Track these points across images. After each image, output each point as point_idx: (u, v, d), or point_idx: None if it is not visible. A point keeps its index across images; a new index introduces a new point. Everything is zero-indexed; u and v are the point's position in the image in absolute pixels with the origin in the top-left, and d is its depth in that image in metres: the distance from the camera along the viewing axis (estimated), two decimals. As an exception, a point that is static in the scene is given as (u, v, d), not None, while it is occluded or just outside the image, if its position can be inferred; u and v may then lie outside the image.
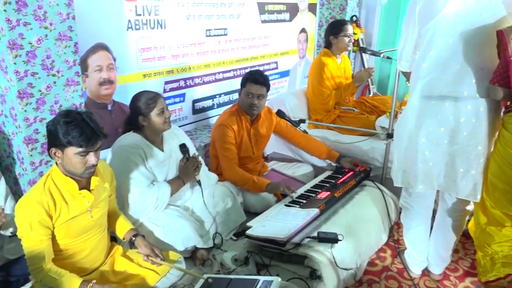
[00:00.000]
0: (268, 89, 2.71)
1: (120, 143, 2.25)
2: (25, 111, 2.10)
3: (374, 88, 4.57)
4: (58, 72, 2.18)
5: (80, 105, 2.33)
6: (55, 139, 1.63)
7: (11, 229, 1.91)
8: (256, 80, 2.64)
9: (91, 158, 1.67)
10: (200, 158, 2.51)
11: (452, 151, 1.85)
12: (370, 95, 4.34)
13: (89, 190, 1.78)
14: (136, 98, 2.25)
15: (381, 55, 3.21)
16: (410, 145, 1.93)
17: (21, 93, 2.06)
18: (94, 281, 1.72)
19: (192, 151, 2.48)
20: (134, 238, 1.96)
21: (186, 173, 2.36)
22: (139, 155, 2.20)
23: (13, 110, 2.11)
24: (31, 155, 2.18)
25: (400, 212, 2.61)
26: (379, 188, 2.68)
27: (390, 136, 2.71)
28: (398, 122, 2.05)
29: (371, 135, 2.93)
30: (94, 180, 1.78)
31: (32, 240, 1.66)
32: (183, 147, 2.40)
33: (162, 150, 2.34)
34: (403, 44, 1.96)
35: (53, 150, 1.67)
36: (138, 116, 2.23)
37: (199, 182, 2.38)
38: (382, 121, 2.96)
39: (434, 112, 1.84)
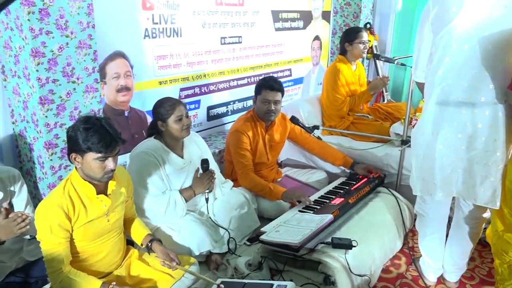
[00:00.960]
0: (283, 94, 2.73)
1: (138, 149, 2.29)
2: (46, 116, 2.15)
3: (388, 95, 4.55)
4: (78, 79, 2.24)
5: (99, 111, 2.38)
6: (75, 145, 1.67)
7: (28, 235, 1.96)
8: (271, 86, 2.66)
9: (109, 163, 1.71)
10: (217, 171, 2.54)
11: (469, 157, 1.83)
12: (384, 102, 4.32)
13: (106, 194, 1.81)
14: (157, 103, 2.31)
15: (395, 62, 3.21)
16: (427, 152, 1.91)
17: (42, 99, 2.11)
18: (114, 283, 1.75)
19: (212, 163, 2.50)
20: (150, 244, 1.99)
21: (199, 185, 2.37)
22: (154, 163, 2.23)
23: (35, 116, 2.17)
24: (51, 160, 2.23)
25: (415, 219, 2.59)
26: (393, 195, 2.67)
27: (404, 142, 2.70)
28: (414, 130, 2.03)
29: (386, 141, 2.92)
30: (111, 185, 1.81)
31: (52, 242, 1.69)
32: (204, 163, 2.40)
33: (182, 157, 2.37)
34: (418, 53, 1.94)
35: (73, 155, 1.71)
36: (158, 121, 2.27)
37: (206, 200, 2.39)
38: (397, 128, 2.95)
39: (451, 118, 1.82)
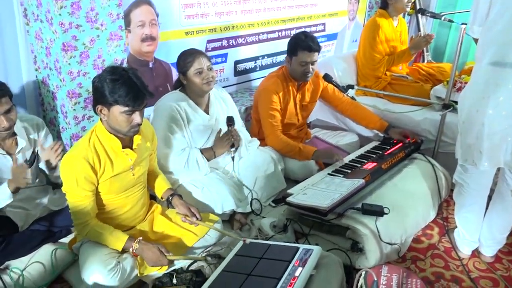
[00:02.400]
0: (319, 52, 2.60)
1: (162, 101, 2.26)
2: (69, 64, 2.13)
3: (429, 56, 4.33)
4: (101, 25, 2.19)
5: (123, 61, 2.34)
6: (101, 97, 1.65)
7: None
8: (309, 47, 2.50)
9: (136, 117, 1.68)
10: (243, 128, 2.50)
11: None
12: (424, 63, 4.12)
13: (131, 148, 1.80)
14: (179, 55, 2.26)
15: (442, 18, 3.00)
16: (476, 117, 1.80)
17: (65, 46, 2.08)
18: (141, 238, 1.79)
19: (237, 121, 2.46)
20: (171, 198, 2.00)
21: (220, 145, 2.34)
22: (177, 118, 2.21)
23: (57, 63, 2.15)
24: (74, 109, 2.23)
25: (451, 189, 2.52)
26: (430, 162, 2.58)
27: (446, 106, 2.57)
28: (462, 93, 1.91)
29: (425, 105, 2.79)
30: (137, 139, 1.80)
31: (78, 195, 1.72)
32: (229, 121, 2.37)
33: (207, 113, 2.33)
34: (477, 5, 1.79)
35: (99, 107, 1.69)
36: (179, 73, 2.23)
37: (232, 158, 2.37)
38: (439, 91, 2.81)
39: (506, 81, 1.69)
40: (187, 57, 2.20)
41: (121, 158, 1.79)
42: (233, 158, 2.37)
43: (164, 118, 2.20)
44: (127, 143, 1.80)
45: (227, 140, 2.34)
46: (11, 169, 1.81)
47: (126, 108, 1.64)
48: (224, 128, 2.39)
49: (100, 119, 1.74)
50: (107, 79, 1.63)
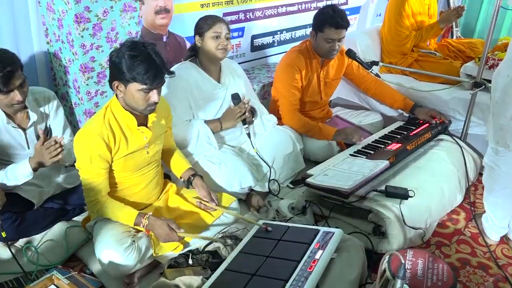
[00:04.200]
0: (347, 29, 2.53)
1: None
2: (82, 36, 2.12)
3: (458, 31, 4.20)
4: (115, -5, 2.17)
5: (137, 34, 2.33)
6: (119, 73, 1.64)
7: (67, 164, 2.03)
8: (337, 24, 2.43)
9: (153, 95, 1.68)
10: (258, 105, 2.48)
11: None
12: (453, 39, 4.01)
13: (146, 126, 1.81)
14: (200, 18, 2.27)
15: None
16: (511, 97, 1.75)
17: (78, 17, 2.07)
18: (150, 213, 1.81)
19: (251, 94, 2.44)
20: (192, 178, 2.00)
21: (228, 117, 2.32)
22: (183, 88, 2.22)
23: (70, 36, 2.15)
24: (87, 84, 2.23)
25: (480, 172, 2.48)
26: (458, 144, 2.54)
27: (477, 85, 2.51)
28: (497, 70, 1.86)
29: (455, 83, 2.73)
30: (152, 117, 1.80)
31: (91, 172, 1.74)
32: (234, 98, 2.34)
33: (219, 82, 2.33)
34: None
35: (115, 83, 1.69)
36: (196, 35, 2.24)
37: (248, 135, 2.37)
38: (469, 68, 2.74)
39: None
40: (207, 19, 2.23)
41: (136, 136, 1.79)
42: (249, 134, 2.37)
43: (171, 87, 2.20)
44: (142, 121, 1.81)
45: (238, 113, 2.31)
46: (34, 147, 1.83)
47: (144, 86, 1.64)
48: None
49: (116, 95, 1.75)
50: (125, 54, 1.62)
